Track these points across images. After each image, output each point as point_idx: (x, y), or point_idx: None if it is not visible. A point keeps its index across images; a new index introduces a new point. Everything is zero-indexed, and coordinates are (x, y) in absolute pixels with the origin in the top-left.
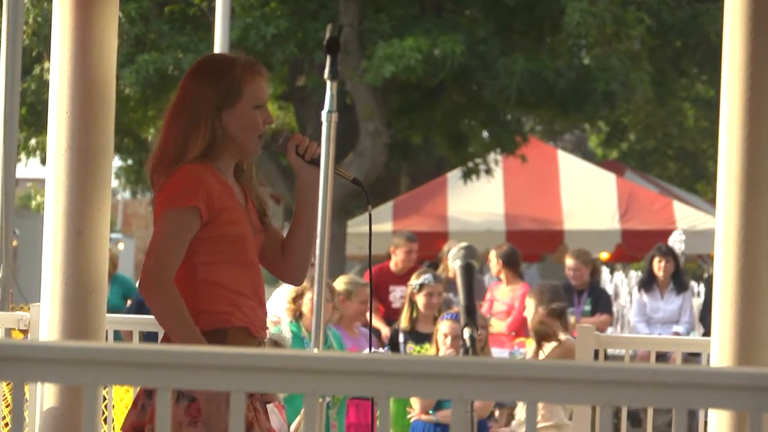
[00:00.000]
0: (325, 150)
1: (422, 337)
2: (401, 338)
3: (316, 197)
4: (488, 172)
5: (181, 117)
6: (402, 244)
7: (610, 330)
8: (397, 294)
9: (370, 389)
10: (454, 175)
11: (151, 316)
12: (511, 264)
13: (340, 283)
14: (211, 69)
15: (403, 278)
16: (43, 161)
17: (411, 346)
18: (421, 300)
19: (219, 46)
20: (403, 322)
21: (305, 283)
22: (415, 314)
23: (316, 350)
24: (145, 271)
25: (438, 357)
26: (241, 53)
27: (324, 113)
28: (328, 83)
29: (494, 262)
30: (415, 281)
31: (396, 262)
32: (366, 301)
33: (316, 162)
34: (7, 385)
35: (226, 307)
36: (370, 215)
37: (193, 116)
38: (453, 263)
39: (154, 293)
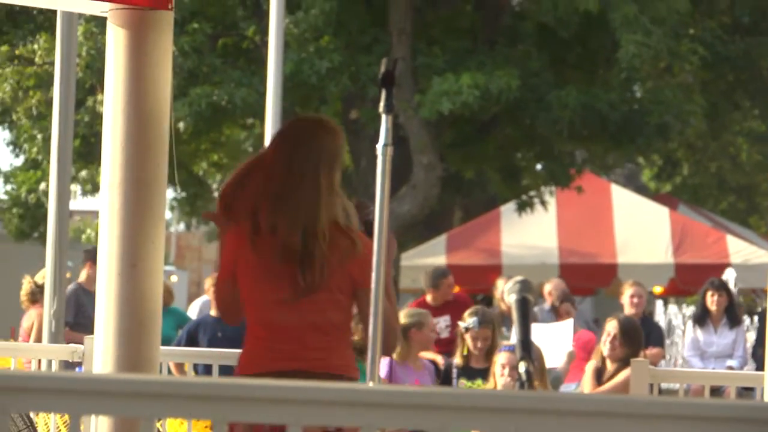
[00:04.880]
0: (380, 183)
1: (475, 373)
2: (454, 373)
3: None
4: (543, 203)
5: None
6: (432, 284)
7: (662, 364)
8: (441, 324)
9: (426, 423)
10: (507, 209)
11: (204, 349)
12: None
13: (406, 318)
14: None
15: (440, 309)
16: (92, 193)
17: (463, 382)
18: (468, 341)
19: (272, 79)
20: (457, 358)
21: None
22: (465, 351)
23: (371, 383)
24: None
25: (493, 390)
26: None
27: (379, 146)
28: (384, 117)
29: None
30: (462, 323)
31: (432, 298)
32: (434, 329)
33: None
34: (61, 417)
35: None
36: None
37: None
38: (508, 297)
39: None
